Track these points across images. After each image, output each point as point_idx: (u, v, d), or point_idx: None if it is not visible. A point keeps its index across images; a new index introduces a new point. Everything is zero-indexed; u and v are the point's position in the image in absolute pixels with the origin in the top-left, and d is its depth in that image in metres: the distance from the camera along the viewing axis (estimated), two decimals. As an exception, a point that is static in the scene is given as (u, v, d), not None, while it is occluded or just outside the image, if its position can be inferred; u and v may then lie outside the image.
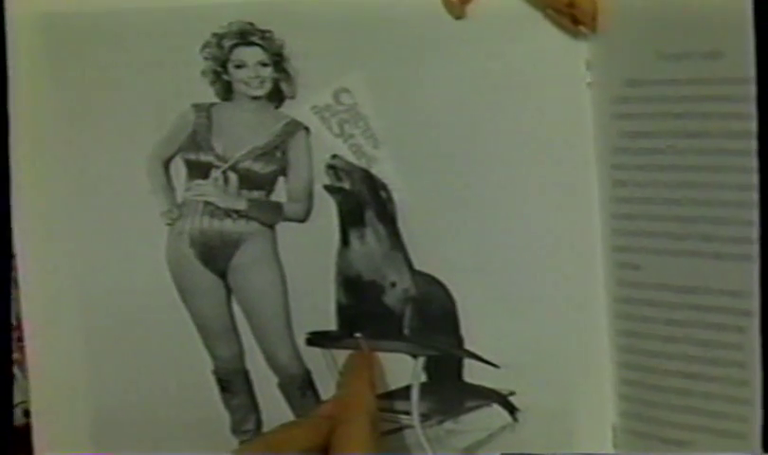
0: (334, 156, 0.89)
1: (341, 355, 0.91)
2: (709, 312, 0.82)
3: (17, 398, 0.96)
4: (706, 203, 0.81)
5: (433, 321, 0.90)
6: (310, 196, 0.90)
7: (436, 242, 0.89)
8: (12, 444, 0.95)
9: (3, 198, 0.91)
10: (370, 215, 0.90)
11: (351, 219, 0.90)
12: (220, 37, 0.89)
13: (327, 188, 0.90)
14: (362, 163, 0.89)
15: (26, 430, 0.94)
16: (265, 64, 0.89)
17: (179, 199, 0.92)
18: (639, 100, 0.83)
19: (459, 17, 0.86)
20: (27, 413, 0.94)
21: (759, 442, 0.81)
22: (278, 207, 0.91)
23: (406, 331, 0.91)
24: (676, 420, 0.85)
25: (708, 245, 0.82)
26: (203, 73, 0.89)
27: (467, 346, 0.90)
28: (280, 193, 0.91)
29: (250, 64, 0.90)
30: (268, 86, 0.90)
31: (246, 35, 0.89)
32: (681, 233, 0.83)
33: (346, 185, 0.90)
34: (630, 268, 0.86)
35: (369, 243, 0.90)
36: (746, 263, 0.80)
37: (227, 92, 0.90)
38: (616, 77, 0.84)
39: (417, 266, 0.90)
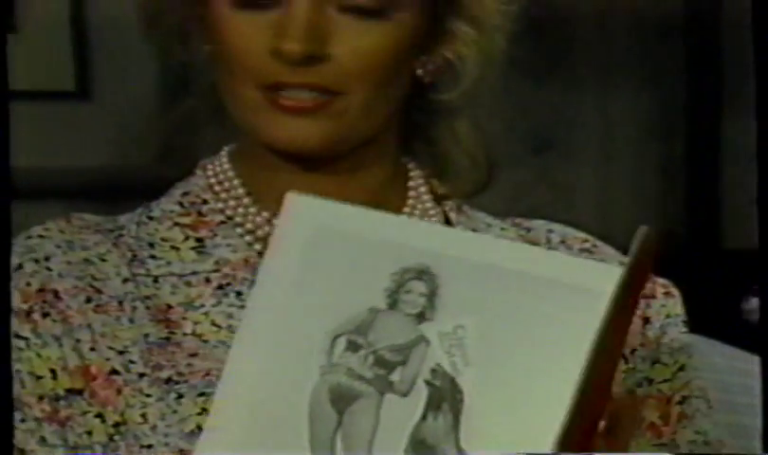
0: (438, 364, 1.47)
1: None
2: None
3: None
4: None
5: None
6: (413, 383, 1.47)
7: (480, 433, 1.44)
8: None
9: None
10: (446, 406, 1.46)
11: (433, 404, 1.45)
12: (406, 270, 1.50)
13: (426, 382, 1.47)
14: (453, 373, 1.47)
15: None
16: (422, 295, 1.50)
17: (333, 361, 1.50)
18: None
19: None
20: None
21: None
22: (391, 383, 1.47)
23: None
24: None
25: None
26: (385, 289, 1.50)
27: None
28: (395, 375, 1.48)
29: (415, 293, 1.49)
30: (418, 310, 1.50)
31: (421, 274, 1.50)
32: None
33: (437, 383, 1.46)
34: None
35: (438, 422, 1.47)
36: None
37: (392, 305, 1.51)
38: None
39: (462, 444, 1.45)
